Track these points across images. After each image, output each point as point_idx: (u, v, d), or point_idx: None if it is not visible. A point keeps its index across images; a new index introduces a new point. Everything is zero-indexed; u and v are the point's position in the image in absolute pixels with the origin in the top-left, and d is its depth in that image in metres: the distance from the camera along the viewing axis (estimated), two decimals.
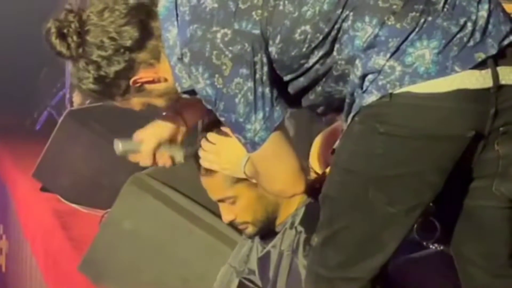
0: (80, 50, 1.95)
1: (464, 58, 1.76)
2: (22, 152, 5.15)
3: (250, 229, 2.33)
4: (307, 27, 1.83)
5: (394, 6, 1.79)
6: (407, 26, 1.78)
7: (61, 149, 4.12)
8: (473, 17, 1.78)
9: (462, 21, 1.77)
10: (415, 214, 1.81)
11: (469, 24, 1.77)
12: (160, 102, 2.06)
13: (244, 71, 1.84)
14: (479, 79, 1.76)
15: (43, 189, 4.21)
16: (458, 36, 1.77)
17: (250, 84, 1.85)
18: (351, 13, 1.81)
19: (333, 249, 1.86)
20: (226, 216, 2.32)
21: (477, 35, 1.77)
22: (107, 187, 3.83)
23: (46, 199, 4.13)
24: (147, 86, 2.00)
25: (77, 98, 5.59)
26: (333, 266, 1.85)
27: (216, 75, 1.86)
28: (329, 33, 1.83)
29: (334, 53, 1.85)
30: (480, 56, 1.76)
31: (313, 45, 1.84)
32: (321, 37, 1.83)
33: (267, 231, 2.33)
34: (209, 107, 1.91)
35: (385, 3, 1.80)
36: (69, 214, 3.95)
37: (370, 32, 1.79)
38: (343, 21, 1.81)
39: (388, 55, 1.78)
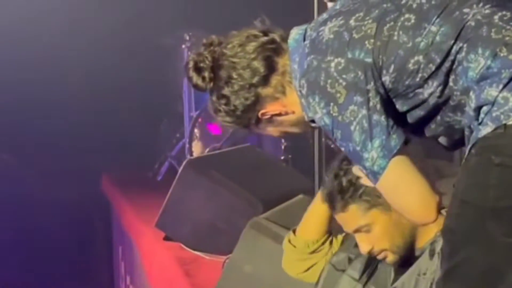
0: (212, 84, 2.03)
1: None
2: (146, 203, 5.26)
3: (390, 258, 2.27)
4: (420, 57, 1.85)
5: (507, 38, 1.79)
6: None
7: (181, 198, 4.20)
8: None
9: None
10: None
11: None
12: (295, 130, 2.12)
13: (358, 98, 1.86)
14: None
15: (166, 238, 4.28)
16: None
17: (364, 111, 1.86)
18: (465, 45, 1.82)
19: (455, 283, 1.83)
20: (364, 247, 2.28)
21: None
22: (227, 232, 3.88)
23: (169, 248, 4.19)
24: (277, 118, 2.05)
25: (196, 148, 5.69)
26: None
27: (331, 104, 1.88)
28: (441, 64, 1.84)
29: (451, 83, 1.85)
30: None
31: (426, 75, 1.85)
32: (433, 68, 1.84)
33: (408, 258, 2.26)
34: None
35: (497, 35, 1.79)
36: (191, 262, 4.00)
37: (483, 63, 1.79)
38: (457, 52, 1.83)
39: (501, 86, 1.77)
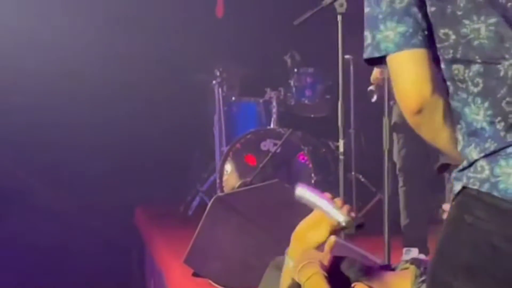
0: None
1: None
2: (177, 237, 5.31)
3: None
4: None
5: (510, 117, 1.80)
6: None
7: (210, 235, 4.23)
8: None
9: None
10: None
11: None
12: None
13: None
14: None
15: (195, 274, 4.31)
16: None
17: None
18: (482, 82, 1.82)
19: None
20: None
21: None
22: (256, 269, 3.89)
23: (198, 284, 4.23)
24: None
25: (231, 179, 5.73)
26: None
27: None
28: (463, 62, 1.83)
29: (450, 87, 1.86)
30: None
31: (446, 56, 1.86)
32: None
33: None
34: None
35: (509, 107, 1.81)
36: None
37: (480, 120, 1.81)
38: (477, 74, 1.82)
39: (483, 154, 1.79)
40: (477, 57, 1.80)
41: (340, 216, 2.45)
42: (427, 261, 2.25)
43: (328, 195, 2.54)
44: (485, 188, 1.79)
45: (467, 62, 1.81)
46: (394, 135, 4.60)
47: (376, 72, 4.84)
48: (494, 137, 1.80)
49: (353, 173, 5.59)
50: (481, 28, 1.78)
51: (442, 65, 1.85)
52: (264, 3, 6.61)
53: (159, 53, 6.69)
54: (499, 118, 1.80)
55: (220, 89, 5.98)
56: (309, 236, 2.52)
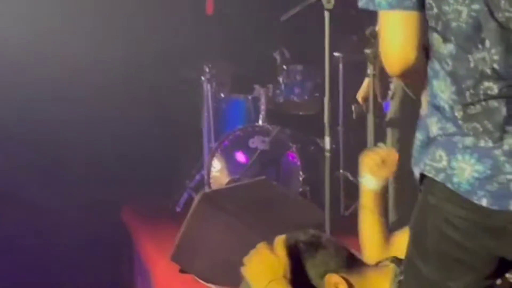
0: None
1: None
2: (164, 234, 5.29)
3: None
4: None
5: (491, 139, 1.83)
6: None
7: (196, 232, 4.22)
8: None
9: None
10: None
11: None
12: None
13: None
14: None
15: (182, 271, 4.30)
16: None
17: None
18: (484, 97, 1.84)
19: None
20: None
21: None
22: (241, 266, 3.88)
23: (184, 281, 4.21)
24: None
25: (222, 177, 5.71)
26: None
27: None
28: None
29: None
30: None
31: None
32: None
33: None
34: None
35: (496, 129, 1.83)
36: None
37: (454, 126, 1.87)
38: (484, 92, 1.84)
39: (441, 132, 1.85)
40: (453, 38, 1.79)
41: None
42: None
43: None
44: (440, 177, 1.82)
45: (444, 39, 1.80)
46: (388, 131, 4.59)
47: (362, 90, 4.76)
48: (453, 122, 1.81)
49: (341, 171, 5.58)
50: (463, 12, 1.77)
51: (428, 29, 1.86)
52: (254, 0, 6.60)
53: (148, 50, 6.66)
54: (459, 107, 1.80)
55: (209, 86, 5.95)
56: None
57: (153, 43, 6.69)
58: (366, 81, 4.49)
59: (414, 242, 1.92)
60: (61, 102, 6.54)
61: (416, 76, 1.89)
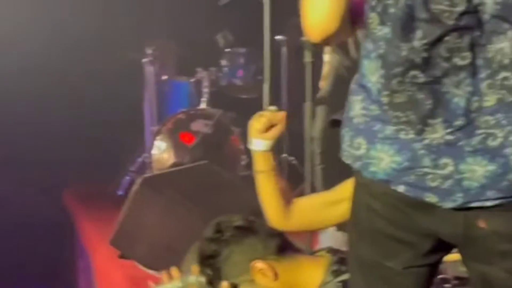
0: None
1: None
2: (105, 218, 5.23)
3: None
4: None
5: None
6: None
7: (136, 217, 4.16)
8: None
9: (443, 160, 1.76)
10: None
11: (450, 169, 1.75)
12: None
13: None
14: None
15: (121, 256, 4.25)
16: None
17: None
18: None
19: None
20: None
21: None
22: (182, 252, 3.85)
23: (123, 266, 4.17)
24: None
25: (169, 158, 5.66)
26: None
27: None
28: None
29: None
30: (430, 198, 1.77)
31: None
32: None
33: None
34: None
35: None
36: (144, 280, 3.96)
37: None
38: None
39: (364, 112, 1.83)
40: (389, 23, 1.77)
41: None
42: (343, 251, 2.24)
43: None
44: (356, 165, 1.82)
45: (381, 22, 1.78)
46: (319, 109, 4.57)
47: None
48: (379, 105, 1.79)
49: (285, 155, 5.56)
50: None
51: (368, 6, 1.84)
52: None
53: (90, 31, 6.56)
54: (386, 93, 1.78)
55: (151, 68, 5.89)
56: None
57: (91, 23, 6.59)
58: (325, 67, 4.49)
59: (352, 222, 1.92)
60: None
61: (338, 39, 1.88)
